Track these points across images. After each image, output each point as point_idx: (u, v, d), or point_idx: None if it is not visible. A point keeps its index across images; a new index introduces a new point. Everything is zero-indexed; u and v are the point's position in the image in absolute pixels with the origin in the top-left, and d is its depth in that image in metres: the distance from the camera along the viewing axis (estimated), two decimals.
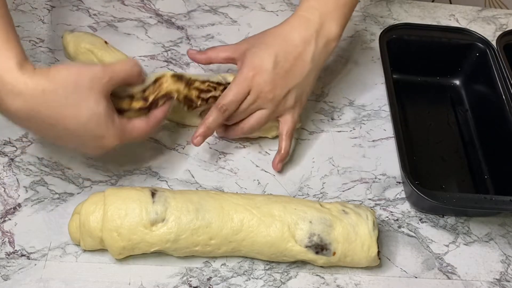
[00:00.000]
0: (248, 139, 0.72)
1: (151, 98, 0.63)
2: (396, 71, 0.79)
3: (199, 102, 0.67)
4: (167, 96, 0.64)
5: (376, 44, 0.82)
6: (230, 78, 0.69)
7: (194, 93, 0.67)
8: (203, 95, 0.67)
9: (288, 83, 0.66)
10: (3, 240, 0.59)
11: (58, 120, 0.53)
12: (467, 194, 0.70)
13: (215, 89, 0.68)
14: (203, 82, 0.67)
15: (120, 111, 0.60)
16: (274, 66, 0.65)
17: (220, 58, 0.71)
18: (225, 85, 0.68)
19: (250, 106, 0.66)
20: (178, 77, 0.65)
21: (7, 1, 0.69)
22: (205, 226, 0.57)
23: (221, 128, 0.70)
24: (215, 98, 0.68)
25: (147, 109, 0.62)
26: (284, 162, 0.70)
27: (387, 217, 0.67)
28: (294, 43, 0.66)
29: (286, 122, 0.69)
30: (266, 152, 0.72)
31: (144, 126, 0.61)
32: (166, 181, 0.67)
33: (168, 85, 0.64)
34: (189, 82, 0.66)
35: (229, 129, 0.70)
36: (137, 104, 0.62)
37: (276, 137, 0.72)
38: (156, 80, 0.64)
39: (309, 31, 0.67)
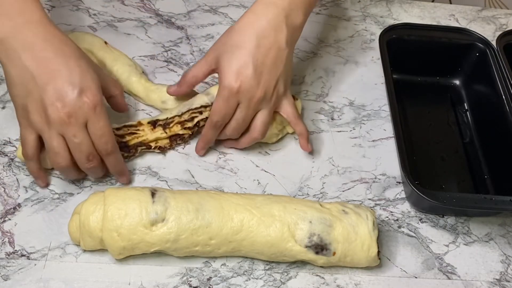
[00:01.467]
0: None
1: (131, 144, 0.66)
2: (396, 71, 0.79)
3: (188, 133, 0.68)
4: (146, 145, 0.67)
5: (376, 44, 0.82)
6: (215, 91, 0.69)
7: (177, 129, 0.68)
8: (189, 124, 0.68)
9: (273, 75, 0.65)
10: (3, 240, 0.59)
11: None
12: (467, 194, 0.70)
13: (201, 113, 0.69)
14: (184, 113, 0.68)
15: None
16: (254, 67, 0.63)
17: (200, 78, 0.68)
18: (211, 106, 0.68)
19: (247, 113, 0.65)
20: (153, 124, 0.68)
21: None
22: (205, 226, 0.57)
23: (231, 141, 0.70)
24: (206, 119, 0.68)
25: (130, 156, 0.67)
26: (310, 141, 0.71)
27: (387, 217, 0.67)
28: (264, 33, 0.64)
29: (286, 109, 0.68)
30: (266, 152, 0.72)
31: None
32: (166, 181, 0.67)
33: (146, 134, 0.67)
34: (166, 124, 0.68)
35: (239, 140, 0.69)
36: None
37: (276, 142, 0.72)
38: (133, 127, 0.67)
39: (278, 17, 0.65)
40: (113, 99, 0.67)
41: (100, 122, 0.59)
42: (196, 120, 0.68)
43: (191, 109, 0.69)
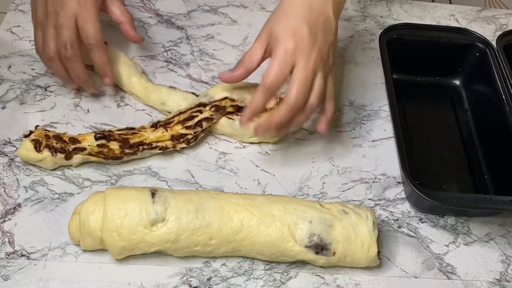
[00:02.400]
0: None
1: (132, 142, 0.67)
2: (396, 71, 0.79)
3: (190, 132, 0.68)
4: (148, 144, 0.67)
5: (376, 44, 0.82)
6: (217, 95, 0.69)
7: (178, 128, 0.68)
8: (190, 123, 0.68)
9: (327, 41, 0.64)
10: (3, 240, 0.59)
11: None
12: (467, 194, 0.70)
13: (201, 112, 0.69)
14: (183, 113, 0.69)
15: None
16: (308, 28, 0.62)
17: (255, 61, 0.64)
18: (212, 103, 0.69)
19: (307, 74, 0.61)
20: (154, 125, 0.68)
21: (7, 1, 0.69)
22: (205, 226, 0.57)
23: (314, 123, 0.69)
24: (208, 119, 0.69)
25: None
26: (330, 125, 0.67)
27: (387, 217, 0.67)
28: (313, 4, 0.63)
29: (330, 82, 0.66)
30: (266, 152, 0.72)
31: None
32: (166, 181, 0.67)
33: (147, 134, 0.67)
34: (166, 124, 0.68)
35: (319, 119, 0.67)
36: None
37: (277, 142, 0.72)
38: (135, 129, 0.68)
39: None
40: (121, 26, 0.72)
41: (84, 13, 0.66)
42: (197, 119, 0.68)
43: (190, 108, 0.69)
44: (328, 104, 0.66)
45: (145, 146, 0.67)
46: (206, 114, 0.69)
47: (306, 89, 0.62)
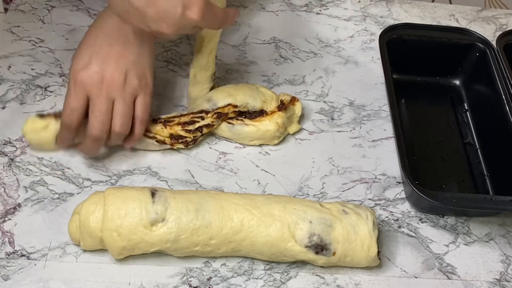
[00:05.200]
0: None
1: None
2: (396, 71, 0.79)
3: (190, 136, 0.69)
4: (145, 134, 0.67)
5: (376, 44, 0.82)
6: (220, 101, 0.69)
7: (178, 129, 0.68)
8: (190, 127, 0.68)
9: (120, 64, 0.62)
10: (3, 240, 0.59)
11: None
12: (467, 194, 0.70)
13: (202, 118, 0.69)
14: (184, 115, 0.69)
15: None
16: (90, 55, 0.62)
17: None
18: (215, 111, 0.69)
19: (103, 105, 0.62)
20: (154, 120, 0.68)
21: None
22: (205, 226, 0.57)
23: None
24: (208, 126, 0.69)
25: None
26: (132, 145, 0.67)
27: (387, 217, 0.67)
28: (105, 26, 0.63)
29: (138, 105, 0.64)
30: (266, 152, 0.72)
31: (223, 13, 0.60)
32: (166, 181, 0.67)
33: (148, 126, 0.68)
34: (166, 122, 0.68)
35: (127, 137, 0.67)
36: None
37: (277, 144, 0.72)
38: None
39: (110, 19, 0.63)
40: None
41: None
42: (197, 125, 0.68)
43: (192, 113, 0.69)
44: (136, 127, 0.65)
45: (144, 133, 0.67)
46: (207, 121, 0.69)
47: (102, 119, 0.62)
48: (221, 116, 0.69)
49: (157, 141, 0.68)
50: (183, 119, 0.69)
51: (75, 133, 0.64)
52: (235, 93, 0.70)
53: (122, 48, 0.63)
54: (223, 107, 0.69)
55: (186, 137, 0.68)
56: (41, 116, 0.65)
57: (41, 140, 0.65)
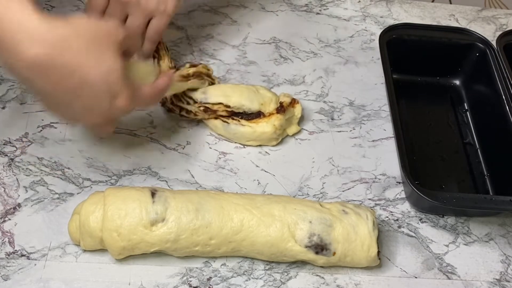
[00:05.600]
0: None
1: None
2: (396, 71, 0.79)
3: (169, 106, 0.71)
4: None
5: (376, 44, 0.82)
6: (212, 97, 0.70)
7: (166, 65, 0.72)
8: (175, 101, 0.71)
9: None
10: (3, 240, 0.59)
11: (78, 67, 0.50)
12: (467, 194, 0.70)
13: (188, 103, 0.70)
14: (185, 78, 0.70)
15: None
16: None
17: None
18: (202, 104, 0.70)
19: (115, 13, 0.67)
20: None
21: None
22: (205, 226, 0.57)
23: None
24: (189, 112, 0.70)
25: None
26: (146, 56, 0.71)
27: (387, 217, 0.67)
28: None
29: (151, 25, 0.69)
30: (266, 152, 0.72)
31: (151, 91, 0.60)
32: (166, 181, 0.67)
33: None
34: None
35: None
36: None
37: (277, 144, 0.72)
38: None
39: None
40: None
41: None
42: (181, 105, 0.70)
43: (184, 93, 0.71)
44: (144, 44, 0.70)
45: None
46: (191, 108, 0.70)
47: (113, 16, 0.68)
48: (208, 111, 0.70)
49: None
50: (178, 86, 0.70)
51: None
52: (231, 93, 0.70)
53: None
54: (212, 104, 0.69)
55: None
56: None
57: None
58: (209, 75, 0.72)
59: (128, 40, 0.59)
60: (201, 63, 0.72)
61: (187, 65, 0.71)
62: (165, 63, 0.73)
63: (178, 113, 0.71)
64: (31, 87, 0.54)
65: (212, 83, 0.73)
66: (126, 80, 0.54)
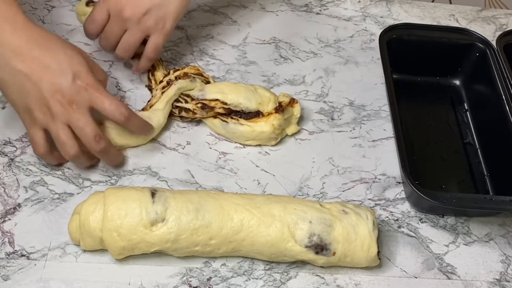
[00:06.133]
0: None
1: None
2: (396, 71, 0.79)
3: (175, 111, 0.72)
4: None
5: (376, 44, 0.82)
6: (209, 94, 0.70)
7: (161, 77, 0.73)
8: (173, 103, 0.71)
9: (145, 2, 0.68)
10: (3, 240, 0.59)
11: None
12: (467, 194, 0.70)
13: (186, 102, 0.71)
14: (172, 81, 0.71)
15: None
16: None
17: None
18: (199, 101, 0.70)
19: (115, 28, 0.69)
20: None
21: None
22: (205, 226, 0.57)
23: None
24: (188, 111, 0.71)
25: None
26: (141, 72, 0.75)
27: (387, 217, 0.67)
28: None
29: (150, 43, 0.71)
30: (266, 152, 0.72)
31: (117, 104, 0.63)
32: (166, 181, 0.67)
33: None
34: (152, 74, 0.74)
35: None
36: None
37: (277, 144, 0.72)
38: None
39: None
40: None
41: (100, 99, 0.61)
42: (179, 104, 0.71)
43: (182, 93, 0.71)
44: (141, 61, 0.73)
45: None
46: (189, 106, 0.71)
47: (110, 40, 0.71)
48: (205, 107, 0.70)
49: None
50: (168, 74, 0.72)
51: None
52: (228, 91, 0.70)
53: None
54: (209, 100, 0.70)
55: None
56: (88, 3, 0.76)
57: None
58: (200, 74, 0.73)
59: (121, 53, 0.71)
60: (189, 65, 0.74)
61: (171, 71, 0.73)
62: (160, 72, 0.74)
63: (178, 115, 0.72)
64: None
65: (207, 82, 0.73)
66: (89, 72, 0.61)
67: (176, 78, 0.71)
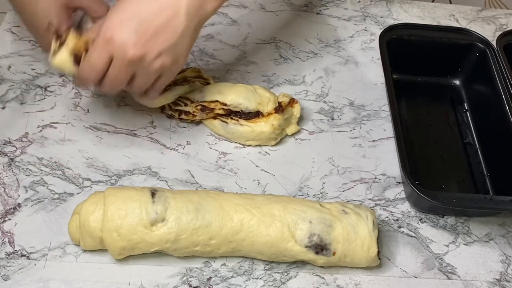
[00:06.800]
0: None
1: None
2: (396, 71, 0.79)
3: (169, 113, 0.72)
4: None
5: (376, 44, 0.82)
6: (208, 96, 0.70)
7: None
8: (172, 106, 0.71)
9: (158, 44, 0.58)
10: (3, 240, 0.59)
11: None
12: (467, 194, 0.70)
13: (186, 104, 0.71)
14: (172, 91, 0.70)
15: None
16: (137, 24, 0.57)
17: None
18: (199, 103, 0.70)
19: (119, 72, 0.59)
20: None
21: (7, 1, 0.69)
22: (205, 226, 0.57)
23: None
24: (188, 113, 0.71)
25: None
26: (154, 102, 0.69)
27: (387, 217, 0.67)
28: None
29: (161, 80, 0.63)
30: (266, 152, 0.72)
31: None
32: (166, 181, 0.67)
33: None
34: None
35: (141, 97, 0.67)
36: None
37: (277, 144, 0.72)
38: None
39: None
40: None
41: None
42: (179, 108, 0.71)
43: (180, 96, 0.71)
44: (149, 93, 0.65)
45: None
46: (189, 108, 0.71)
47: (114, 85, 0.61)
48: (205, 109, 0.70)
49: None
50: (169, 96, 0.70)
51: (90, 86, 0.62)
52: (228, 92, 0.70)
53: (167, 21, 0.58)
54: (209, 102, 0.70)
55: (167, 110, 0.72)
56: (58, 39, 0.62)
57: (61, 65, 0.62)
58: (200, 76, 0.72)
59: (134, 92, 0.65)
60: (189, 67, 0.73)
61: None
62: None
63: (178, 117, 0.72)
64: None
65: (207, 83, 0.73)
66: None
67: (174, 83, 0.70)
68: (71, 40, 0.61)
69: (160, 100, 0.69)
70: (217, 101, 0.70)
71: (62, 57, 0.61)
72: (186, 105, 0.71)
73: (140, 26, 0.57)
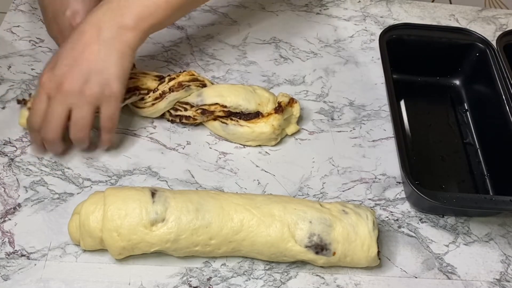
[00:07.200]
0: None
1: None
2: (396, 71, 0.79)
3: (169, 118, 0.72)
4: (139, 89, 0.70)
5: (376, 44, 0.82)
6: (208, 99, 0.70)
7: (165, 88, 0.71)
8: (172, 112, 0.71)
9: (82, 69, 0.61)
10: (3, 240, 0.59)
11: None
12: (467, 194, 0.70)
13: (186, 109, 0.71)
14: (171, 97, 0.70)
15: None
16: (56, 59, 0.62)
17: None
18: (199, 107, 0.70)
19: (58, 108, 0.62)
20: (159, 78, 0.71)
21: (7, 1, 0.69)
22: (205, 226, 0.57)
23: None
24: (188, 118, 0.71)
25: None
26: (103, 148, 0.68)
27: (387, 217, 0.67)
28: (79, 30, 0.63)
29: (103, 113, 0.64)
30: (266, 152, 0.72)
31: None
32: (166, 181, 0.67)
33: (145, 80, 0.71)
34: (163, 93, 0.70)
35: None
36: None
37: (277, 144, 0.72)
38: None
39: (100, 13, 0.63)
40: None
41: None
42: (179, 113, 0.71)
43: (178, 102, 0.71)
44: (101, 136, 0.66)
45: (135, 92, 0.69)
46: (189, 113, 0.70)
47: (54, 125, 0.62)
48: (206, 113, 0.70)
49: (148, 91, 0.70)
50: (169, 100, 0.70)
51: (38, 134, 0.64)
52: (227, 94, 0.70)
53: (81, 52, 0.62)
54: (209, 105, 0.70)
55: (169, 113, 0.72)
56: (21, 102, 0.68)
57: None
58: (195, 79, 0.71)
59: (76, 134, 0.64)
60: (184, 71, 0.71)
61: (166, 79, 0.70)
62: (150, 81, 0.71)
63: (179, 122, 0.72)
64: None
65: (203, 85, 0.72)
66: None
67: (170, 89, 0.69)
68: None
69: (157, 109, 0.70)
70: (217, 103, 0.70)
71: (25, 115, 0.66)
72: (186, 110, 0.70)
73: (60, 61, 0.62)
